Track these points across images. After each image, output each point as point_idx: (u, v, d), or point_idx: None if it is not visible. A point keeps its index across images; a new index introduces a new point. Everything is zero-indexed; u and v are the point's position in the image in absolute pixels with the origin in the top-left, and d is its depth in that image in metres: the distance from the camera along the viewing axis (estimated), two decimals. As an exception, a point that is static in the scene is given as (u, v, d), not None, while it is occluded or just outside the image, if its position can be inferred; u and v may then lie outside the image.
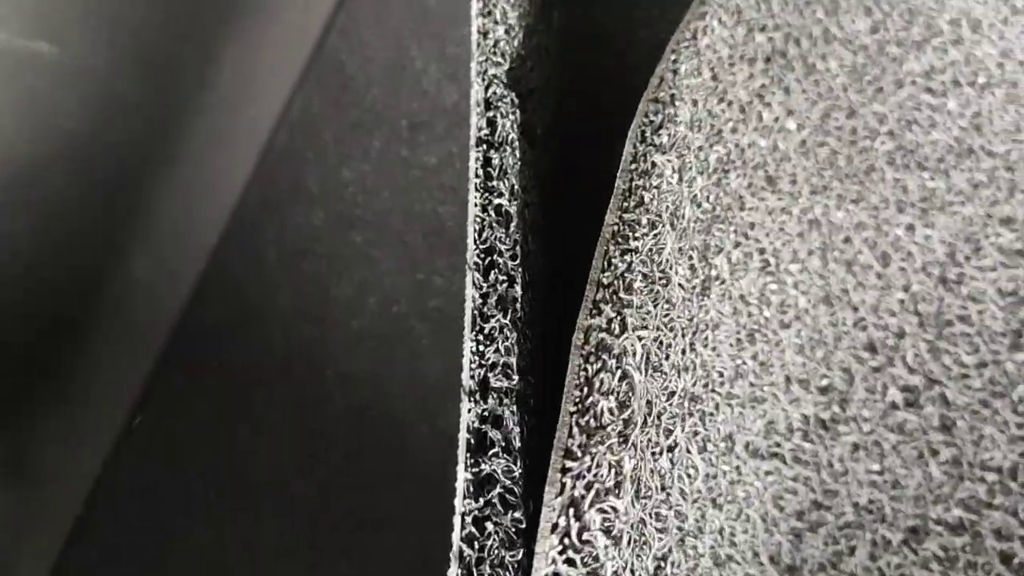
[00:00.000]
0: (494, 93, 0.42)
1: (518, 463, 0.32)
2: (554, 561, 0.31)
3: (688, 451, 0.37)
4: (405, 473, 0.53)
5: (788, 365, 0.42)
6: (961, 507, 0.39)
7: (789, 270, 0.44)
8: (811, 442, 0.41)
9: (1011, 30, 0.51)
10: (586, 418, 0.33)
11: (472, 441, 0.33)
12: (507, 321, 0.36)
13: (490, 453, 0.33)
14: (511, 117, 0.41)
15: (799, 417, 0.41)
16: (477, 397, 0.34)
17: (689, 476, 0.38)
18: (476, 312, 0.36)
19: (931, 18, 0.52)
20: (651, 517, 0.35)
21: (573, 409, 0.33)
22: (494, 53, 0.43)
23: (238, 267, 0.57)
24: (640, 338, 0.34)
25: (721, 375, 0.41)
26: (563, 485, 0.31)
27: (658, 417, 0.36)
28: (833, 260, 0.45)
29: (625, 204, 0.37)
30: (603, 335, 0.34)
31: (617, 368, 0.33)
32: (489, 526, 0.32)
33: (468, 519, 0.32)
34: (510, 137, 0.40)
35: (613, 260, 0.36)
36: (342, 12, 0.62)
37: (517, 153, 0.40)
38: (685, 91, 0.43)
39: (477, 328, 0.36)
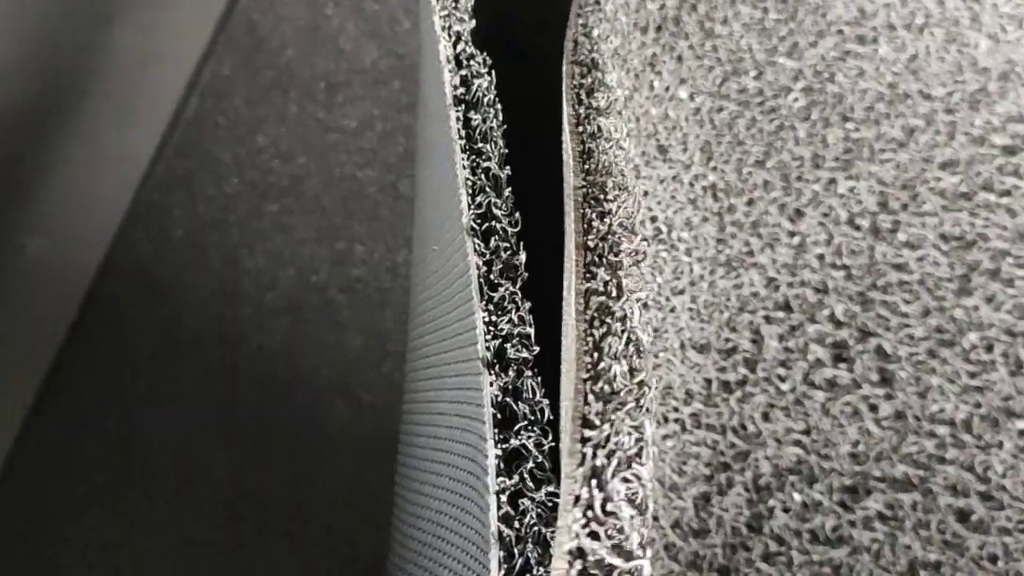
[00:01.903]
0: (463, 51, 0.39)
1: (548, 436, 0.30)
2: (577, 535, 0.28)
3: None
4: (324, 452, 0.50)
5: (684, 330, 0.41)
6: (908, 463, 0.37)
7: (681, 237, 0.43)
8: (714, 405, 0.39)
9: (951, -36, 0.50)
10: (600, 384, 0.31)
11: (498, 415, 0.31)
12: (516, 290, 0.33)
13: (516, 427, 0.31)
14: (485, 78, 0.38)
15: (700, 381, 0.40)
16: (497, 369, 0.32)
17: None
18: (482, 280, 0.33)
19: (863, -41, 0.50)
20: None
21: (586, 376, 0.31)
22: (456, 8, 0.40)
23: (144, 244, 0.53)
24: (639, 300, 0.32)
25: None
26: (583, 455, 0.29)
27: None
28: (732, 224, 0.43)
29: (587, 167, 0.36)
30: (602, 298, 0.32)
31: (623, 332, 0.31)
32: (525, 503, 0.29)
33: (503, 497, 0.29)
34: (487, 99, 0.37)
35: (593, 223, 0.34)
36: (251, -31, 0.59)
37: (500, 117, 0.37)
38: (606, 55, 0.40)
39: (486, 298, 0.33)
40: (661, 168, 0.44)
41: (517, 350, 0.32)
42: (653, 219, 0.43)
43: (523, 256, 0.33)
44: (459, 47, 0.40)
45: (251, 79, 0.59)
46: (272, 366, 0.53)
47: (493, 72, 0.39)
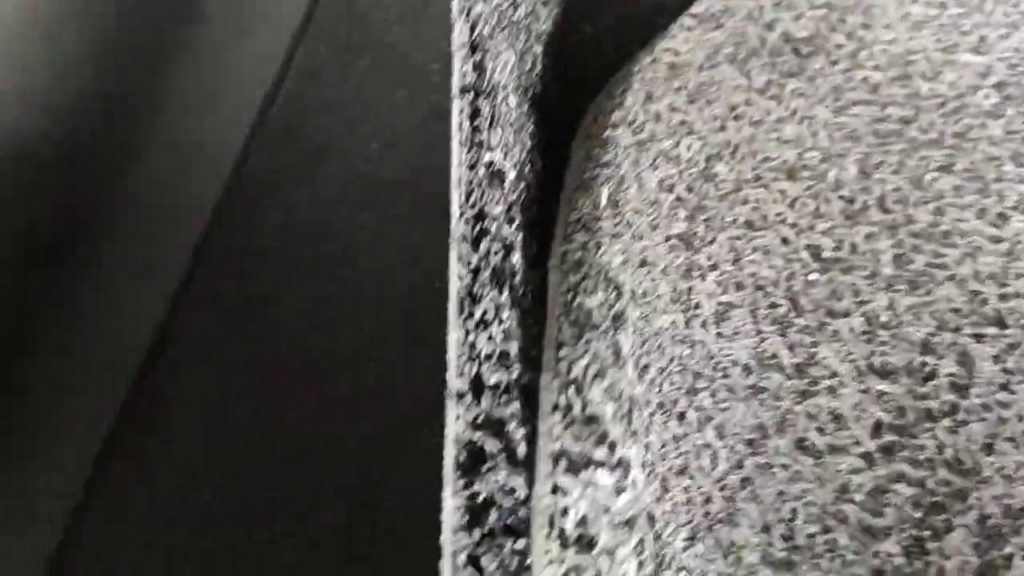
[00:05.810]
0: (481, 33, 0.36)
1: (523, 478, 0.27)
2: (559, 437, 0.28)
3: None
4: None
5: (853, 354, 0.36)
6: None
7: (837, 257, 0.38)
8: (913, 436, 0.34)
9: None
10: (573, 315, 0.31)
11: (462, 458, 0.27)
12: (504, 299, 0.30)
13: (485, 469, 0.27)
14: (503, 59, 0.36)
15: (892, 410, 0.35)
16: (468, 400, 0.27)
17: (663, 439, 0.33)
18: (464, 294, 0.30)
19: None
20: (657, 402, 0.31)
21: (559, 312, 0.31)
22: (476, -10, 0.36)
23: (237, 244, 0.50)
24: (619, 250, 0.32)
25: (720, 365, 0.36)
26: (558, 371, 0.30)
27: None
28: (913, 235, 0.38)
29: (583, 166, 0.37)
30: (580, 253, 0.33)
31: (598, 273, 0.32)
32: (486, 562, 0.25)
33: (461, 558, 0.25)
34: (502, 83, 0.35)
35: (576, 203, 0.36)
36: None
37: (511, 101, 0.35)
38: (636, 82, 0.40)
39: (466, 313, 0.29)
40: (792, 188, 0.40)
41: (495, 372, 0.28)
42: (785, 240, 0.38)
43: (517, 260, 0.30)
44: (478, 30, 0.36)
45: (351, 62, 0.54)
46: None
47: (512, 56, 0.36)
